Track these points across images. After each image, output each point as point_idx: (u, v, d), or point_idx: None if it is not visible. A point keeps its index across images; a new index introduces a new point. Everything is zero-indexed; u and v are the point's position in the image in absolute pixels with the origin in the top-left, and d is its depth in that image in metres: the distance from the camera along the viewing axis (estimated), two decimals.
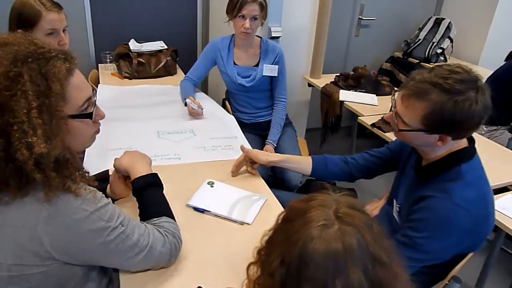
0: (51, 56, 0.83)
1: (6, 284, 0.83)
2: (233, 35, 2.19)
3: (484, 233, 1.17)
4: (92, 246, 0.87)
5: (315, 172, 1.55)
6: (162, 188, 1.19)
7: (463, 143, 1.17)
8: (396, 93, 1.17)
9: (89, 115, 0.92)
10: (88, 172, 0.95)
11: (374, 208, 1.53)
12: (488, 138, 2.39)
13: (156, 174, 1.20)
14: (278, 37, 2.65)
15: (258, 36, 2.21)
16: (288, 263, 0.66)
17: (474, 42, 3.58)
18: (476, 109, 1.04)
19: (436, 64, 3.51)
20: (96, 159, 1.54)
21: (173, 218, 1.11)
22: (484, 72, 2.75)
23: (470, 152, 1.17)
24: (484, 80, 1.12)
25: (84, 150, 1.55)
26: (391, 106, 1.21)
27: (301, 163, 1.56)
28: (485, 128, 2.70)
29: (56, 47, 0.88)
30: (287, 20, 2.72)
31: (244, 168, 1.59)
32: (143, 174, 1.16)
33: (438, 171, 1.16)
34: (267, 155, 1.56)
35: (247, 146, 1.79)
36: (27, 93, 0.78)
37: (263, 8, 2.02)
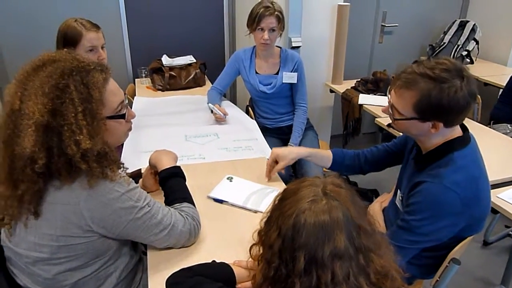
0: (90, 69, 1.03)
1: (56, 252, 1.02)
2: (254, 46, 2.36)
3: (478, 215, 1.24)
4: (123, 222, 1.05)
5: (333, 166, 1.66)
6: (185, 179, 1.36)
7: (457, 132, 1.25)
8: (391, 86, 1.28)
9: (123, 116, 1.11)
10: (123, 164, 1.12)
11: (383, 200, 1.63)
12: None
13: (179, 167, 1.37)
14: (298, 47, 2.80)
15: (278, 46, 2.36)
16: (284, 234, 0.78)
17: (502, 43, 3.56)
18: (460, 95, 1.12)
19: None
20: (131, 160, 1.74)
21: (193, 204, 1.28)
22: None
23: (463, 141, 1.25)
24: None
25: (121, 152, 1.77)
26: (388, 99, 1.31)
27: (323, 157, 1.66)
28: (510, 127, 2.70)
29: (93, 60, 1.07)
30: (307, 30, 2.86)
31: (261, 165, 1.74)
32: (168, 167, 1.34)
33: (433, 159, 1.25)
34: (290, 152, 1.62)
35: (267, 147, 1.94)
36: (74, 100, 0.97)
37: (280, 20, 2.17)
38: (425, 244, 1.25)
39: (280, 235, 0.79)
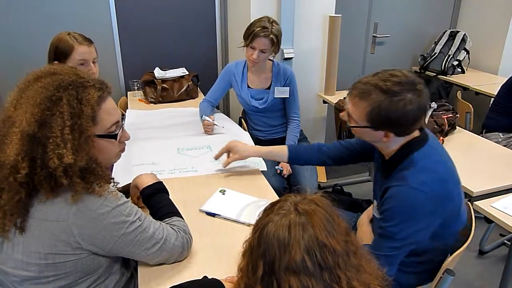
0: (88, 85, 1.02)
1: (44, 270, 1.00)
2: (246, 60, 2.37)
3: (452, 210, 1.24)
4: (114, 237, 1.03)
5: (290, 159, 1.75)
6: (168, 194, 1.35)
7: (415, 133, 1.28)
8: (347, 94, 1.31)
9: (114, 136, 1.08)
10: (113, 178, 1.11)
11: (369, 212, 1.62)
12: (505, 146, 2.41)
13: (161, 182, 1.35)
14: (290, 58, 2.81)
15: (270, 60, 2.34)
16: (251, 243, 0.82)
17: (492, 53, 3.61)
18: (409, 108, 1.16)
19: (453, 75, 3.56)
20: (122, 174, 1.72)
21: (182, 218, 1.26)
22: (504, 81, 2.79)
23: (420, 141, 1.27)
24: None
25: (112, 166, 1.75)
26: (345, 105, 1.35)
27: (279, 153, 1.75)
28: (502, 136, 2.72)
29: (95, 78, 1.06)
30: (299, 42, 2.88)
31: (254, 177, 1.75)
32: (149, 184, 1.32)
33: (396, 164, 1.27)
34: (244, 151, 1.75)
35: (260, 159, 1.93)
36: (64, 114, 0.96)
37: (274, 43, 2.13)
38: (407, 248, 1.25)
39: (250, 245, 0.83)
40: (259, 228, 0.81)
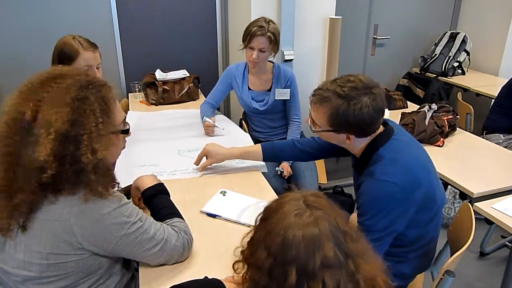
0: (102, 84, 1.05)
1: (45, 270, 1.00)
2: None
3: (424, 196, 1.27)
4: (115, 238, 1.03)
5: (265, 158, 1.79)
6: (169, 195, 1.36)
7: (379, 130, 1.33)
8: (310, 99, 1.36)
9: (127, 131, 1.13)
10: (118, 183, 1.13)
11: None
12: (505, 147, 2.41)
13: (162, 184, 1.36)
14: (291, 60, 2.82)
15: (271, 62, 2.35)
16: (274, 252, 0.78)
17: (492, 54, 3.61)
18: (366, 111, 1.22)
19: (451, 77, 3.56)
20: (123, 175, 1.72)
21: (183, 219, 1.27)
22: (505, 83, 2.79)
23: (385, 135, 1.33)
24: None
25: (114, 167, 1.76)
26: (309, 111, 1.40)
27: (254, 153, 1.79)
28: (502, 137, 2.72)
29: (101, 78, 1.10)
30: (300, 43, 2.88)
31: (255, 178, 1.75)
32: (151, 185, 1.34)
33: (365, 160, 1.33)
34: (217, 154, 1.77)
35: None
36: (95, 111, 0.99)
37: (272, 41, 2.14)
38: (388, 237, 1.28)
39: (270, 254, 0.79)
40: (279, 236, 0.77)
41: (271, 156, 1.80)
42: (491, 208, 1.60)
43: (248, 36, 2.13)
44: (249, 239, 0.88)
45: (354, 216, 1.55)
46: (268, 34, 2.11)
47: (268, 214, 0.84)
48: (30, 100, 0.97)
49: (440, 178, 1.51)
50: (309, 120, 1.38)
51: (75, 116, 0.96)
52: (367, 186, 1.26)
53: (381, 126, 1.34)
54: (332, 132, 1.30)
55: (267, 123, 2.44)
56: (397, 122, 2.22)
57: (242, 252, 0.90)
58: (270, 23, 2.15)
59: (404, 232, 1.30)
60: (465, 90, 3.36)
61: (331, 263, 0.75)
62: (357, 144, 1.34)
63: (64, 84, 0.99)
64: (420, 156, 1.35)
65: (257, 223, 0.87)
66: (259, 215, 0.88)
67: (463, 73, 3.64)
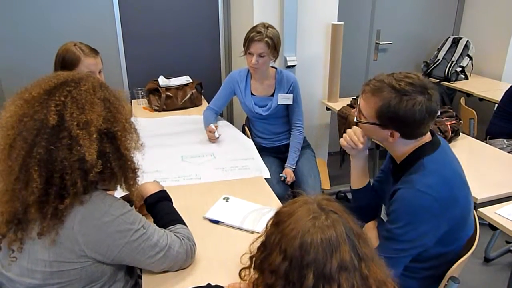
0: (108, 86, 1.09)
1: (49, 278, 1.00)
2: None
3: (460, 215, 1.24)
4: (118, 245, 1.03)
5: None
6: (172, 202, 1.36)
7: (426, 138, 1.29)
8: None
9: None
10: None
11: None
12: (509, 152, 2.40)
13: (164, 190, 1.37)
14: (293, 66, 2.83)
15: (274, 67, 2.36)
16: (291, 256, 0.78)
17: (495, 59, 3.61)
18: (418, 109, 1.18)
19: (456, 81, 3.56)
20: None
21: (185, 225, 1.27)
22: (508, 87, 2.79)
23: (432, 145, 1.28)
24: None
25: None
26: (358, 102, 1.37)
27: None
28: (506, 142, 2.71)
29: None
30: (302, 49, 2.89)
31: (258, 184, 1.75)
32: (154, 192, 1.34)
33: (406, 167, 1.28)
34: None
35: (263, 166, 1.94)
36: (119, 108, 1.04)
37: (270, 46, 2.14)
38: (413, 251, 1.25)
39: (287, 258, 0.79)
40: (296, 239, 0.77)
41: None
42: (495, 213, 1.59)
43: (247, 42, 2.15)
44: (259, 244, 0.88)
45: (370, 224, 1.54)
46: (266, 39, 2.12)
47: (281, 219, 0.84)
48: (45, 106, 0.96)
49: None
50: (354, 112, 1.33)
51: (108, 115, 1.00)
52: (404, 195, 1.21)
53: (429, 134, 1.29)
54: (378, 126, 1.26)
55: (270, 128, 2.45)
56: None
57: (251, 258, 0.89)
58: (269, 28, 2.17)
59: (429, 248, 1.26)
60: (468, 95, 3.35)
61: (347, 266, 0.76)
62: (400, 147, 1.29)
63: (84, 87, 1.01)
64: (460, 173, 1.29)
65: (269, 228, 0.87)
66: (269, 220, 0.88)
67: (466, 78, 3.63)
